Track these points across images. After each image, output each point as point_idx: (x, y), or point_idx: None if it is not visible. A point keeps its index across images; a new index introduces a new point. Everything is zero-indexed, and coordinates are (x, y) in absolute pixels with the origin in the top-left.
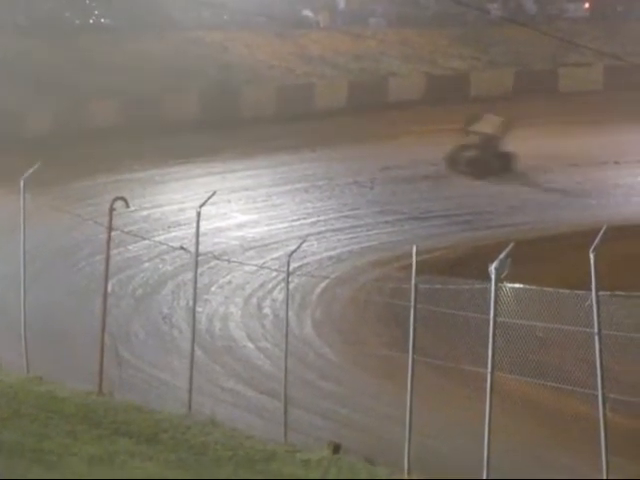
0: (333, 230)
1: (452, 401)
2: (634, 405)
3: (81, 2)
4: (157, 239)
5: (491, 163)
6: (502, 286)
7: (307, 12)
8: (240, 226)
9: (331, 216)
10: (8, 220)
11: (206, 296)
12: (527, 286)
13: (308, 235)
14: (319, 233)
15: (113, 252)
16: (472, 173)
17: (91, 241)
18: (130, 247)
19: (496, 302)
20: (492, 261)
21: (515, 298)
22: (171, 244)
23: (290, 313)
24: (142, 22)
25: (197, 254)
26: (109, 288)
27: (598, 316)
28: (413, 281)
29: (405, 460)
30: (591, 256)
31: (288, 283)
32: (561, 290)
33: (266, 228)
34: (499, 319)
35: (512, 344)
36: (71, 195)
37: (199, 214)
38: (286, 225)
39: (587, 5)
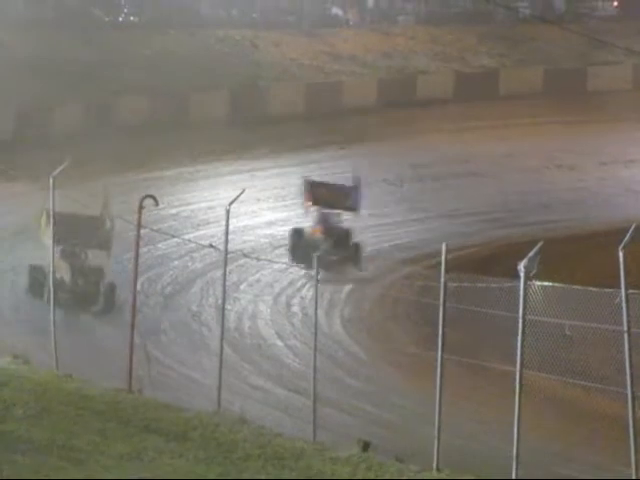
0: (362, 228)
1: (481, 399)
2: None
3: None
4: (186, 237)
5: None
6: (531, 284)
7: (336, 10)
8: (269, 224)
9: (360, 214)
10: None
11: (235, 294)
12: (556, 284)
13: None
14: None
15: (142, 250)
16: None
17: (120, 239)
18: (159, 245)
19: (525, 300)
20: (521, 259)
21: (544, 296)
22: (200, 242)
23: (319, 311)
24: (171, 20)
25: (226, 252)
26: (138, 286)
27: (628, 314)
28: (442, 279)
29: (434, 458)
30: (620, 254)
31: (317, 281)
32: (590, 288)
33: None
34: (528, 317)
35: (541, 342)
36: (100, 192)
37: (228, 212)
38: None
39: (616, 3)
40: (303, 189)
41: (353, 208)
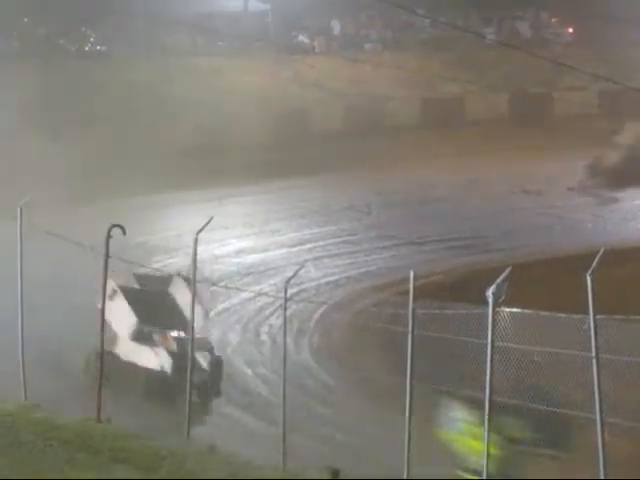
0: (330, 256)
1: None
2: (633, 430)
3: (77, 29)
4: (154, 266)
5: None
6: (499, 310)
7: (303, 37)
8: (238, 252)
9: (328, 242)
10: (6, 247)
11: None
12: (524, 310)
13: (306, 261)
14: (316, 259)
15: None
16: None
17: (88, 268)
18: None
19: (494, 326)
20: (489, 285)
21: (512, 322)
22: (169, 271)
23: (288, 339)
24: (138, 49)
25: (195, 280)
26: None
27: (595, 340)
28: (411, 306)
29: None
30: (588, 279)
31: (286, 309)
32: (558, 314)
33: (264, 254)
34: (497, 343)
35: (510, 368)
36: (68, 221)
37: (196, 240)
38: (283, 251)
39: (571, 30)
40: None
41: None
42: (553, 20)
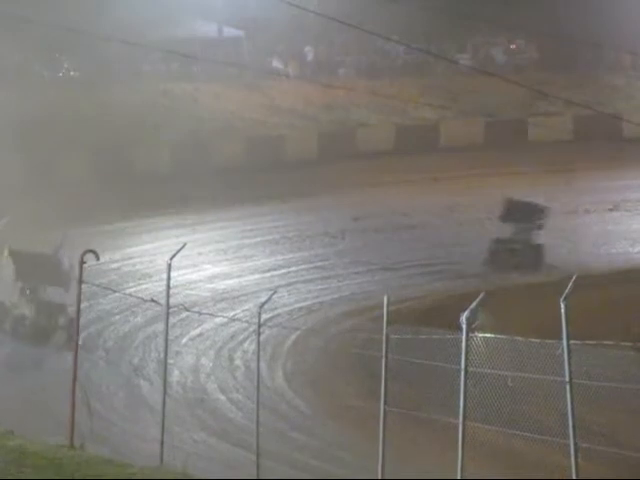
0: (304, 281)
1: (424, 452)
2: (607, 454)
3: (50, 55)
4: (128, 291)
5: None
6: (473, 336)
7: (276, 63)
8: (211, 278)
9: (302, 267)
10: None
11: (177, 348)
12: (498, 335)
13: (279, 286)
14: (290, 284)
15: (84, 305)
16: None
17: (62, 294)
18: (101, 300)
19: (467, 352)
20: (463, 311)
21: (486, 348)
22: (142, 296)
23: (261, 364)
24: (111, 74)
25: (168, 306)
26: (80, 341)
27: (569, 365)
28: (384, 331)
29: None
30: (562, 305)
31: (259, 334)
32: (532, 339)
33: (237, 280)
34: (470, 369)
35: (484, 394)
36: (42, 248)
37: (169, 266)
38: (257, 276)
39: (545, 55)
40: None
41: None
42: (528, 46)
